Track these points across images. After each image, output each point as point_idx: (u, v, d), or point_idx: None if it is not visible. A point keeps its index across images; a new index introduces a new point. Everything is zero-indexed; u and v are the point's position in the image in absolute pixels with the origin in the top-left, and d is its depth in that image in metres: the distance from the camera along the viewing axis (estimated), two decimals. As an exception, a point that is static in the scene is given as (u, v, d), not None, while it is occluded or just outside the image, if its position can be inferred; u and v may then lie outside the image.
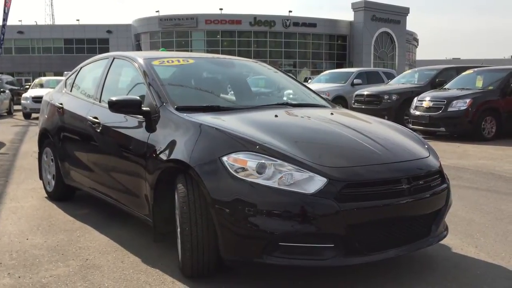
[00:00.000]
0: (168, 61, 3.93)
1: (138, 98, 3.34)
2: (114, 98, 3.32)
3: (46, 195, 4.94)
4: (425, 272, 2.99)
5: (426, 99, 10.26)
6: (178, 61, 3.99)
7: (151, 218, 3.16)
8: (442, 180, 3.01)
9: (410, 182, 2.72)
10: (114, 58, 4.25)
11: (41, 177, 5.09)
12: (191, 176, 2.76)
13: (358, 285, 2.80)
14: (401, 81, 13.48)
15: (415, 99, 10.69)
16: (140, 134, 3.30)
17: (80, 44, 55.65)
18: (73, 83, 4.84)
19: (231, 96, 4.08)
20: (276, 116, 3.25)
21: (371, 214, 2.58)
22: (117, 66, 4.20)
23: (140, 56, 3.92)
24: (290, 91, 4.33)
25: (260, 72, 4.83)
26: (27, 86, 20.77)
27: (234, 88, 4.22)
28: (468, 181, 5.70)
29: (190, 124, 3.01)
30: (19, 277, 2.92)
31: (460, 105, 9.70)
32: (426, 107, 10.13)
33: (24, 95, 16.90)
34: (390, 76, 15.94)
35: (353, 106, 12.84)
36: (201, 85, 4.02)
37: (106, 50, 51.37)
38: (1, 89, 17.36)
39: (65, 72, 26.58)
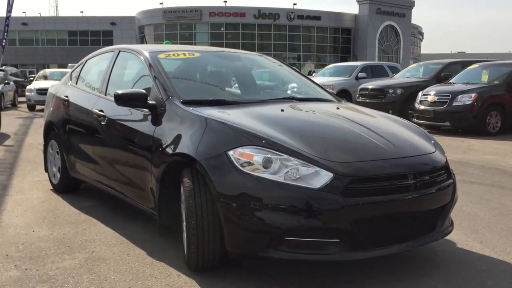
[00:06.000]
0: (174, 54, 3.92)
1: (144, 91, 3.34)
2: (120, 92, 3.32)
3: (51, 188, 4.96)
4: (430, 267, 2.99)
5: (431, 94, 10.22)
6: (184, 54, 3.99)
7: (156, 212, 3.17)
8: (448, 175, 3.00)
9: (416, 177, 2.71)
10: (119, 51, 4.24)
11: (46, 170, 5.11)
12: (197, 170, 2.77)
13: (361, 280, 2.80)
14: (406, 75, 13.42)
15: (420, 93, 10.64)
16: (146, 127, 3.30)
17: (84, 36, 55.56)
18: (79, 75, 4.84)
19: (236, 90, 4.07)
20: (282, 110, 3.25)
21: (377, 209, 2.58)
22: (123, 59, 4.19)
23: (145, 49, 3.91)
24: (296, 85, 4.32)
25: (265, 66, 4.81)
26: (31, 78, 20.78)
27: (240, 81, 4.20)
28: (473, 176, 5.69)
29: (196, 118, 3.01)
30: (26, 269, 2.94)
31: (465, 99, 9.65)
32: (431, 102, 10.09)
33: (28, 87, 16.93)
34: (395, 70, 15.87)
35: (358, 100, 12.79)
36: (206, 78, 4.02)
37: (110, 42, 51.30)
38: (6, 81, 17.41)
39: (69, 64, 26.60)
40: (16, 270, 2.93)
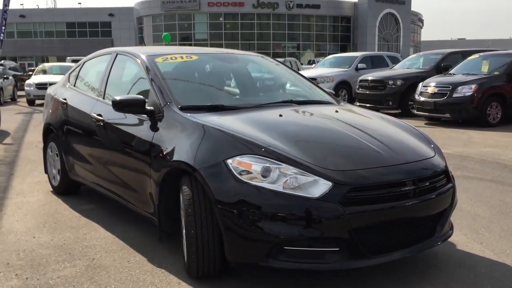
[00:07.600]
0: (171, 58, 3.89)
1: (142, 97, 3.32)
2: (118, 98, 3.30)
3: (51, 189, 4.96)
4: (430, 271, 3.00)
5: (431, 85, 10.18)
6: (182, 57, 3.95)
7: (156, 217, 3.17)
8: (447, 180, 2.99)
9: (416, 183, 2.71)
10: (117, 54, 4.21)
11: (46, 171, 5.11)
12: (196, 178, 2.76)
13: (362, 285, 2.81)
14: (406, 66, 13.34)
15: (420, 84, 10.60)
16: (145, 133, 3.29)
17: (82, 28, 55.27)
18: (77, 77, 4.81)
19: (235, 94, 4.04)
20: (280, 115, 3.23)
21: (376, 217, 2.58)
22: (120, 62, 4.16)
23: (143, 53, 3.88)
24: (294, 88, 4.29)
25: (263, 66, 4.78)
26: (30, 72, 20.72)
27: (238, 85, 4.18)
28: (473, 171, 5.68)
29: (194, 125, 2.99)
30: (27, 278, 2.95)
31: (466, 91, 9.62)
32: (431, 93, 10.05)
33: (27, 81, 16.90)
34: (395, 60, 15.75)
35: (358, 91, 12.75)
36: (205, 83, 3.99)
37: (109, 33, 51.12)
38: (5, 76, 17.36)
39: (68, 58, 26.48)
40: (17, 279, 2.94)
